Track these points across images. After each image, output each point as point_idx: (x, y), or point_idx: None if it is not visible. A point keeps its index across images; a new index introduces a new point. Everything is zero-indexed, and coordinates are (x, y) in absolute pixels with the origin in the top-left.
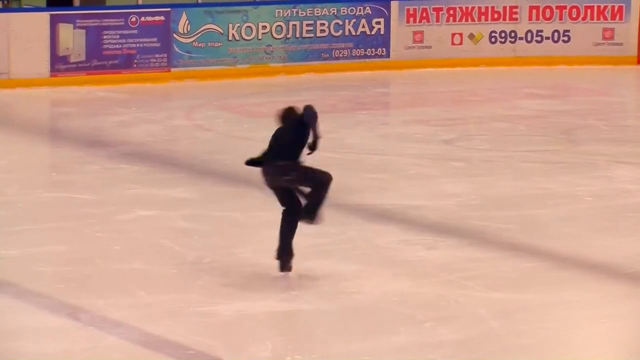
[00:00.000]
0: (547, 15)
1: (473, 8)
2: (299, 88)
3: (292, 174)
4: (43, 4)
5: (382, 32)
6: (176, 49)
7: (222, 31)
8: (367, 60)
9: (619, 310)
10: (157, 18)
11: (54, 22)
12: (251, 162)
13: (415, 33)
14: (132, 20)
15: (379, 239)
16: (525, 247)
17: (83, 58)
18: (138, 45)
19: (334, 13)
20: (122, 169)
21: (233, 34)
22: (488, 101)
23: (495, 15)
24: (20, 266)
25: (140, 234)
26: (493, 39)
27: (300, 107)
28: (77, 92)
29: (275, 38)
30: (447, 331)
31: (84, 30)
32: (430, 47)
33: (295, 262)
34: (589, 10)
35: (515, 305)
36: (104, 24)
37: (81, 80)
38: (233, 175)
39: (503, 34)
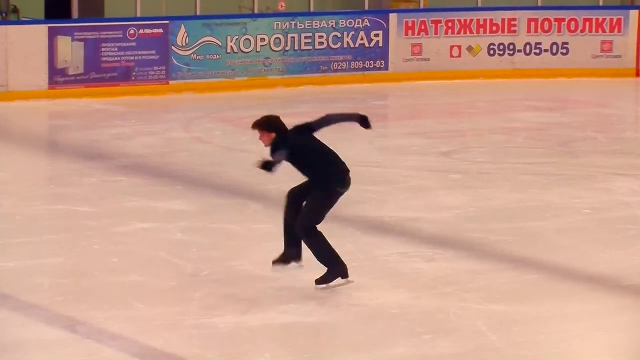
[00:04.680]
0: (546, 28)
1: (471, 20)
2: (297, 100)
3: None
4: (41, 16)
5: (380, 45)
6: (174, 61)
7: (220, 43)
8: (365, 72)
9: (617, 322)
10: (155, 30)
11: (52, 35)
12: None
13: (413, 45)
14: (130, 32)
15: (377, 251)
16: (523, 259)
17: (81, 70)
18: (136, 57)
19: (332, 25)
20: (120, 181)
21: (231, 47)
22: (486, 113)
23: (494, 28)
24: (17, 278)
25: (138, 246)
26: (491, 51)
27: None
28: (76, 105)
29: (274, 50)
30: (445, 343)
31: (82, 43)
32: (428, 59)
33: (293, 274)
34: (587, 23)
35: (513, 317)
36: (102, 36)
37: (79, 93)
38: (231, 188)
39: (501, 47)
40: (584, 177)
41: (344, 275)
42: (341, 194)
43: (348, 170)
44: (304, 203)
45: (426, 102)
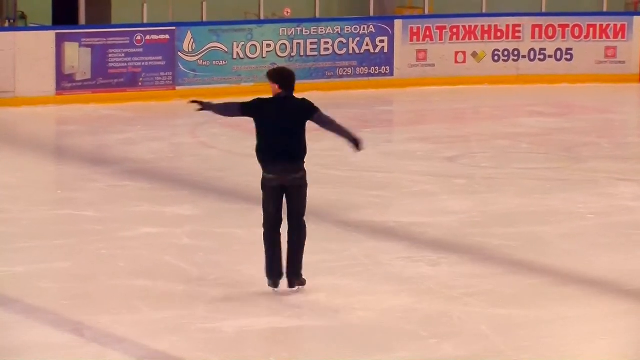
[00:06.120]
0: (550, 34)
1: (476, 26)
2: None
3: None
4: (49, 23)
5: (385, 51)
6: (181, 67)
7: (226, 49)
8: (371, 78)
9: (620, 327)
10: (162, 37)
11: (59, 41)
12: None
13: (418, 51)
14: (137, 38)
15: (382, 256)
16: (526, 263)
17: (89, 76)
18: (143, 63)
19: (338, 32)
20: (126, 187)
21: (238, 53)
22: (491, 119)
23: (499, 34)
24: (25, 282)
25: (144, 250)
26: (496, 57)
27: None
28: (83, 110)
29: (280, 56)
30: (450, 347)
31: (89, 49)
32: (433, 65)
33: None
34: (591, 29)
35: (517, 321)
36: (109, 42)
37: (87, 99)
38: (236, 192)
39: (506, 52)
40: (587, 182)
41: (272, 285)
42: (271, 182)
43: (280, 159)
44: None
45: (431, 108)
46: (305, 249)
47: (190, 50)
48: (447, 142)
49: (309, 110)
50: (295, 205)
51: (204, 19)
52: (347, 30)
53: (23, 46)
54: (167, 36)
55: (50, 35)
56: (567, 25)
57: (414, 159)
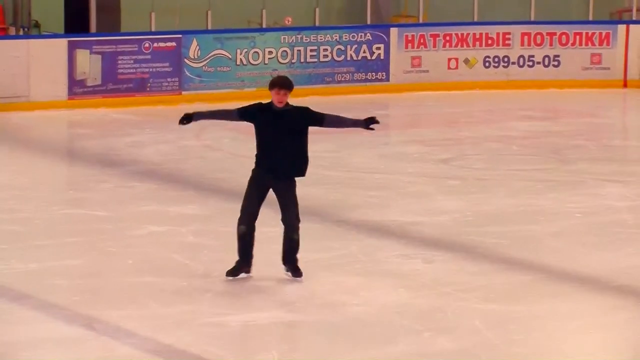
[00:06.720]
0: (538, 41)
1: (468, 34)
2: None
3: None
4: (61, 31)
5: (382, 57)
6: (187, 73)
7: (230, 56)
8: (368, 84)
9: (607, 321)
10: (169, 44)
11: (71, 48)
12: None
13: (413, 58)
14: (145, 46)
15: (379, 253)
16: (517, 261)
17: (99, 82)
18: (151, 69)
19: (336, 39)
20: (134, 187)
21: (241, 59)
22: (482, 123)
23: (489, 41)
24: (38, 279)
25: (151, 248)
26: (487, 64)
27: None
28: (93, 114)
29: (281, 63)
30: (444, 341)
31: (100, 56)
32: (427, 71)
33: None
34: (577, 37)
35: (509, 316)
36: (119, 49)
37: (97, 103)
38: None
39: (496, 59)
40: (575, 183)
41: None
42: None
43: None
44: (283, 199)
45: (425, 112)
46: (304, 246)
47: (196, 57)
48: (441, 145)
49: None
50: None
51: (209, 28)
52: (345, 38)
53: (37, 53)
54: (174, 44)
55: (62, 43)
56: (555, 33)
57: (410, 160)
